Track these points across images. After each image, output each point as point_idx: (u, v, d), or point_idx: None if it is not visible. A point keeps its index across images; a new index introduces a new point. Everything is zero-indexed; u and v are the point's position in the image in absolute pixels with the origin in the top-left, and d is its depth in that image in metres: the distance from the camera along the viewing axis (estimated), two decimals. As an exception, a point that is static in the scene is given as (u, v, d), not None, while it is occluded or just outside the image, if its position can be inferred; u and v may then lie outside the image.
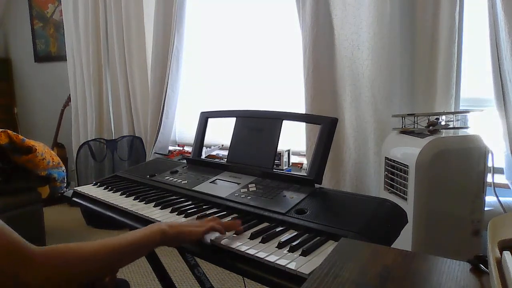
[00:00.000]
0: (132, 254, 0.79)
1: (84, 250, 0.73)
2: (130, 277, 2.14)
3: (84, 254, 0.72)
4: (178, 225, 0.85)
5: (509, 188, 1.75)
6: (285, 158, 2.37)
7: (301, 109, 2.23)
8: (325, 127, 1.08)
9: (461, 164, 1.43)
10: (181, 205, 1.07)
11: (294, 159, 2.48)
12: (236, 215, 0.98)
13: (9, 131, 2.10)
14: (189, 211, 1.01)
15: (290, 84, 2.52)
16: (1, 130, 2.09)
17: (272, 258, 0.74)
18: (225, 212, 1.00)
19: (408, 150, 1.50)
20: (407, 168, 1.45)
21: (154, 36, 2.83)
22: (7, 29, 4.19)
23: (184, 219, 0.97)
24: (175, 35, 2.71)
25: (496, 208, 1.65)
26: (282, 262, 0.72)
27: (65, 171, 2.42)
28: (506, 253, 0.48)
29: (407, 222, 0.93)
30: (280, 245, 0.79)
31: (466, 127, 1.66)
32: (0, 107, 4.11)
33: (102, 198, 1.17)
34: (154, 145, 2.91)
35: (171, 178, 1.26)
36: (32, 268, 0.65)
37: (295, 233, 0.85)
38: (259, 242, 0.82)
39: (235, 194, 1.07)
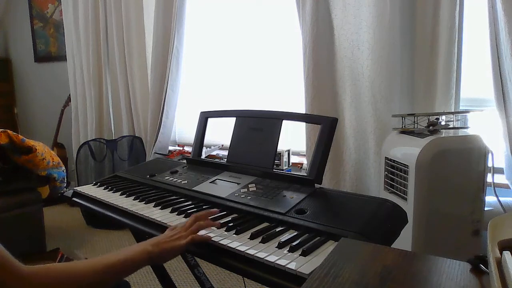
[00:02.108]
0: (118, 274, 0.81)
1: (73, 271, 0.75)
2: (130, 277, 2.14)
3: (72, 274, 0.75)
4: (161, 242, 0.85)
5: (509, 188, 1.75)
6: (285, 158, 2.37)
7: (301, 109, 2.23)
8: (325, 127, 1.08)
9: (461, 164, 1.43)
10: (181, 205, 1.07)
11: (294, 159, 2.48)
12: (236, 215, 0.98)
13: (9, 131, 2.10)
14: (189, 211, 1.01)
15: (290, 84, 2.52)
16: (1, 130, 2.09)
17: (272, 258, 0.74)
18: (225, 212, 1.00)
19: (408, 150, 1.50)
20: (407, 168, 1.45)
21: (154, 36, 2.83)
22: (7, 29, 4.19)
23: (184, 219, 0.97)
24: (175, 35, 2.71)
25: (496, 208, 1.65)
26: (282, 262, 0.72)
27: (65, 171, 2.42)
28: (506, 253, 0.48)
29: (407, 222, 0.93)
30: (280, 245, 0.79)
31: (466, 127, 1.66)
32: (0, 107, 4.11)
33: (102, 198, 1.17)
34: (154, 145, 2.91)
35: (171, 178, 1.26)
36: (21, 287, 0.66)
37: (295, 233, 0.85)
38: (259, 242, 0.82)
39: (235, 194, 1.07)
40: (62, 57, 3.62)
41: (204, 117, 1.38)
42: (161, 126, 2.87)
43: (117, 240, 2.71)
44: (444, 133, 1.51)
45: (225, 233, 0.88)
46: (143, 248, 0.83)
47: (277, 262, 0.73)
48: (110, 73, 3.23)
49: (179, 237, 0.86)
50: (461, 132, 1.58)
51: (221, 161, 2.01)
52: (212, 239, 0.85)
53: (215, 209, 0.99)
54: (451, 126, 1.62)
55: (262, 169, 1.16)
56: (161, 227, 0.96)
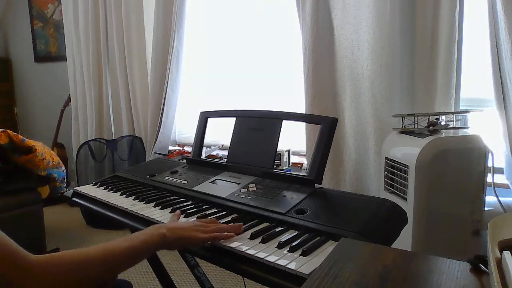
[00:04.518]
0: (132, 258, 0.79)
1: (83, 256, 0.73)
2: (131, 277, 2.14)
3: (83, 260, 0.72)
4: (179, 228, 0.84)
5: (509, 188, 1.75)
6: (285, 158, 2.37)
7: (301, 109, 2.23)
8: (325, 127, 1.08)
9: (461, 164, 1.43)
10: (181, 205, 1.07)
11: (294, 159, 2.48)
12: (236, 215, 0.98)
13: (9, 131, 2.10)
14: (189, 211, 1.01)
15: (290, 84, 2.52)
16: (1, 130, 2.08)
17: (272, 258, 0.74)
18: (225, 212, 1.00)
19: (408, 150, 1.50)
20: (407, 168, 1.45)
21: (154, 36, 2.83)
22: (7, 29, 4.19)
23: (184, 219, 0.97)
24: (175, 35, 2.71)
25: (496, 208, 1.65)
26: (282, 262, 0.72)
27: (65, 171, 2.42)
28: (506, 253, 0.48)
29: (407, 222, 0.93)
30: (280, 245, 0.79)
31: (466, 127, 1.66)
32: (0, 107, 4.11)
33: (102, 198, 1.17)
34: (154, 145, 2.91)
35: (171, 178, 1.26)
36: (32, 277, 0.65)
37: (295, 233, 0.85)
38: (259, 242, 0.82)
39: (235, 194, 1.07)
40: (62, 57, 3.61)
41: (204, 117, 1.38)
42: (161, 126, 2.87)
43: (117, 240, 2.70)
44: (444, 133, 1.51)
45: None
46: (159, 231, 0.81)
47: (277, 262, 0.73)
48: (110, 73, 3.23)
49: (199, 230, 0.84)
50: (461, 132, 1.58)
51: (221, 161, 2.01)
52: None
53: (240, 224, 0.90)
54: (451, 126, 1.62)
55: (262, 169, 1.16)
56: (161, 227, 0.96)
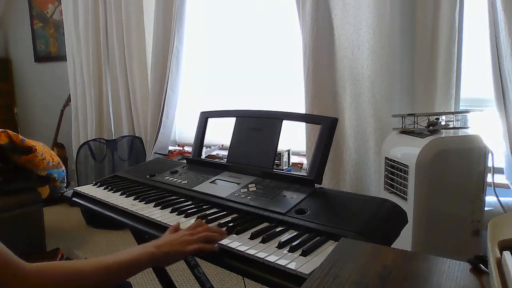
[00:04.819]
0: (121, 275, 0.81)
1: (78, 269, 0.75)
2: (131, 277, 2.14)
3: (78, 273, 0.74)
4: (165, 244, 0.84)
5: (509, 188, 1.75)
6: (285, 158, 2.37)
7: (301, 109, 2.23)
8: (325, 127, 1.08)
9: (461, 164, 1.42)
10: (181, 205, 1.07)
11: (294, 159, 2.48)
12: (236, 215, 0.98)
13: (9, 131, 2.10)
14: (189, 211, 1.01)
15: (290, 84, 2.52)
16: (1, 130, 2.08)
17: (272, 258, 0.74)
18: (225, 212, 1.00)
19: (408, 150, 1.50)
20: (407, 168, 1.45)
21: (154, 36, 2.83)
22: (7, 29, 4.19)
23: (184, 219, 0.97)
24: (175, 35, 2.71)
25: (496, 208, 1.65)
26: (282, 262, 0.72)
27: (65, 171, 2.42)
28: (506, 253, 0.48)
29: (407, 222, 0.93)
30: (280, 245, 0.79)
31: (466, 127, 1.66)
32: (0, 107, 4.11)
33: (102, 198, 1.17)
34: (154, 145, 2.91)
35: (171, 178, 1.26)
36: (23, 285, 0.66)
37: (295, 233, 0.85)
38: (259, 242, 0.82)
39: (235, 194, 1.07)
40: (62, 57, 3.61)
41: (204, 117, 1.38)
42: (161, 126, 2.87)
43: (117, 240, 2.71)
44: (444, 133, 1.51)
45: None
46: (147, 249, 0.83)
47: (277, 262, 0.73)
48: (110, 73, 3.23)
49: (184, 241, 0.84)
50: (461, 132, 1.58)
51: (221, 161, 2.01)
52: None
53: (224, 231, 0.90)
54: (451, 126, 1.62)
55: (262, 169, 1.16)
56: (161, 227, 0.96)
